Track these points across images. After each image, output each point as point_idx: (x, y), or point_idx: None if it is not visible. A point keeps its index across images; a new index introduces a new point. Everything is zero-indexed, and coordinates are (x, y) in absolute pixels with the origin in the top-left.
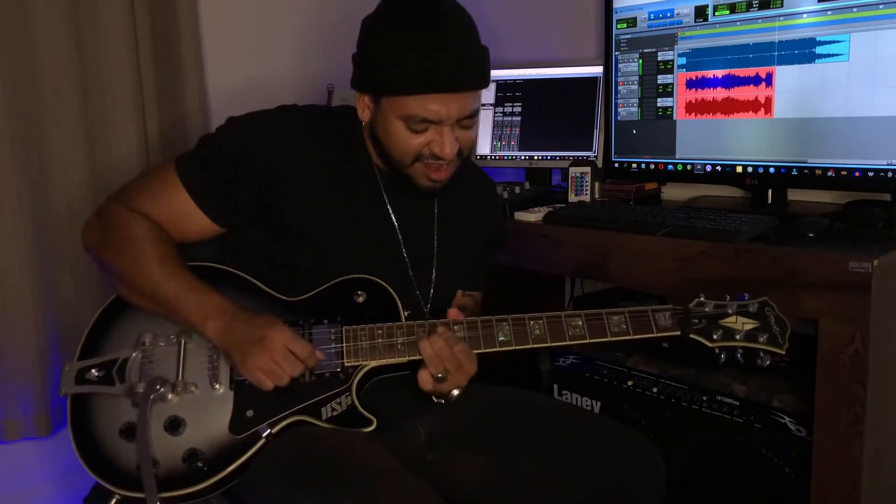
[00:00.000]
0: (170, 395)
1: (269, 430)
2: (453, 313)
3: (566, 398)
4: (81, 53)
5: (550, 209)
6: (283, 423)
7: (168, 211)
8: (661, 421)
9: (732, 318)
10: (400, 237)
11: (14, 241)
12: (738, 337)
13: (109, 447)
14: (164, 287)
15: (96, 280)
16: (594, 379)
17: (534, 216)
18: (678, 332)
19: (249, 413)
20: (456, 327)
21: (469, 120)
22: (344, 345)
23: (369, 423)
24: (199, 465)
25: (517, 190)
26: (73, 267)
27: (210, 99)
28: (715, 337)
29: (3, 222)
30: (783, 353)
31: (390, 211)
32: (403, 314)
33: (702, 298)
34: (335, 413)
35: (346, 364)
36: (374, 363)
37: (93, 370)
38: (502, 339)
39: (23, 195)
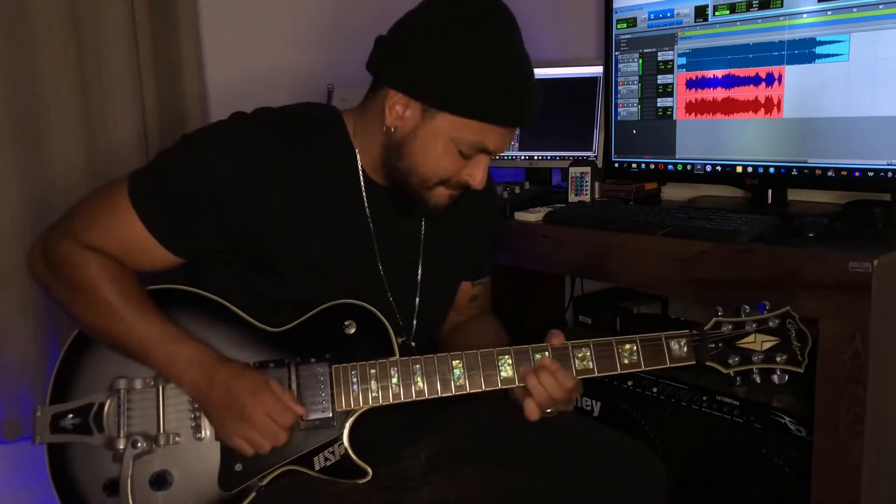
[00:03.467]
0: (153, 447)
1: (260, 484)
2: (556, 339)
3: None
4: (80, 48)
5: (550, 209)
6: (275, 474)
7: (123, 244)
8: (661, 421)
9: (751, 338)
10: (377, 253)
11: (14, 240)
12: (755, 359)
13: (94, 501)
14: (128, 336)
15: None
16: (594, 379)
17: (534, 216)
18: (693, 362)
19: (238, 467)
20: (454, 362)
21: None
22: (334, 389)
23: (364, 474)
24: None
25: (517, 190)
26: None
27: (209, 92)
28: (731, 362)
29: (2, 222)
30: (802, 371)
31: (371, 228)
32: (396, 345)
33: (720, 315)
34: (328, 463)
35: (338, 410)
36: (366, 407)
37: (69, 416)
38: (504, 375)
39: (22, 194)
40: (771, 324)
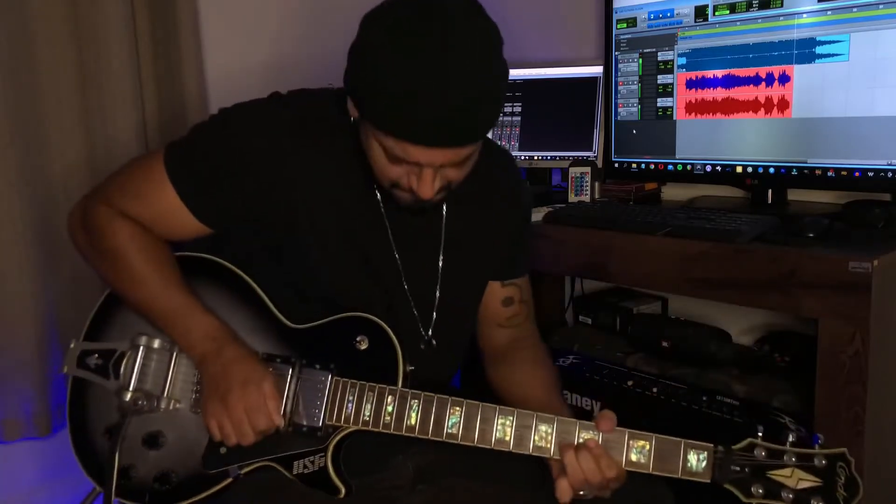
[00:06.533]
0: (154, 406)
1: (238, 472)
2: (605, 424)
3: (566, 398)
4: (80, 48)
5: (550, 209)
6: (254, 466)
7: (154, 209)
8: (661, 421)
9: (788, 471)
10: (393, 246)
11: (13, 239)
12: (784, 496)
13: (96, 440)
14: (153, 304)
15: (96, 278)
16: (594, 379)
17: (534, 216)
18: (708, 480)
19: (223, 450)
20: (454, 409)
21: (463, 162)
22: (329, 400)
23: (337, 491)
24: (167, 487)
25: None
26: (72, 265)
27: (209, 92)
28: (753, 492)
29: (2, 221)
30: None
31: (388, 227)
32: (401, 373)
33: (759, 438)
34: (306, 471)
35: (327, 423)
36: (354, 429)
37: (94, 355)
38: (499, 437)
39: (22, 193)
40: (816, 462)
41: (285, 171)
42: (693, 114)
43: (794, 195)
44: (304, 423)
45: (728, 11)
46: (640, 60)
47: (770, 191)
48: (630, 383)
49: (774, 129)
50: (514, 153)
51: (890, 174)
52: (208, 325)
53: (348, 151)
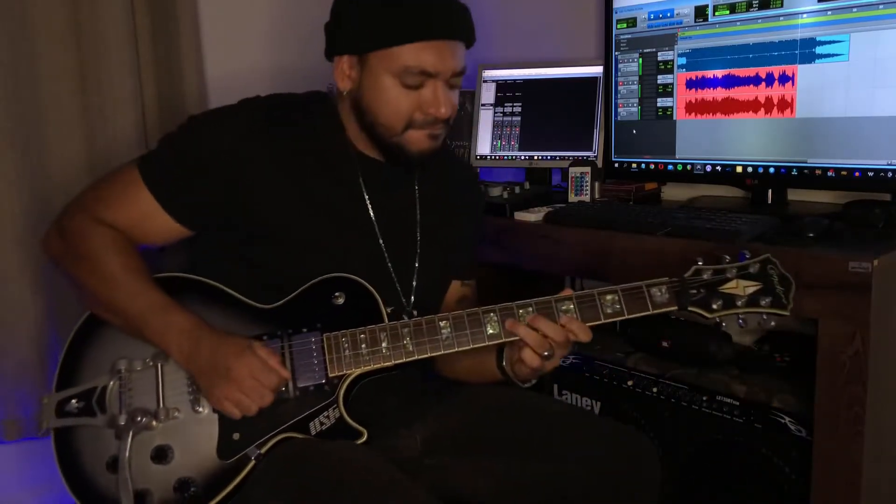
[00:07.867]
0: (154, 423)
1: (258, 452)
2: (569, 291)
3: (566, 398)
4: (80, 48)
5: (550, 209)
6: (272, 443)
7: (131, 214)
8: (661, 421)
9: (733, 283)
10: (377, 230)
11: (13, 239)
12: (739, 304)
13: (99, 481)
14: (128, 305)
15: None
16: (594, 379)
17: (534, 216)
18: (675, 307)
19: (236, 436)
20: (441, 323)
21: (457, 78)
22: (326, 356)
23: (360, 435)
24: (192, 491)
25: (517, 190)
26: None
27: (209, 92)
28: (714, 307)
29: (1, 221)
30: (787, 314)
31: (367, 202)
32: (385, 313)
33: (699, 264)
34: (324, 427)
35: (331, 375)
36: (358, 371)
37: (73, 401)
38: (491, 332)
39: (22, 194)
40: (752, 269)
41: (250, 167)
42: (693, 114)
43: (794, 195)
44: (309, 383)
45: (728, 11)
46: (640, 60)
47: (770, 191)
48: (630, 383)
49: (774, 129)
50: (514, 153)
51: (890, 174)
52: (183, 321)
53: (327, 145)
